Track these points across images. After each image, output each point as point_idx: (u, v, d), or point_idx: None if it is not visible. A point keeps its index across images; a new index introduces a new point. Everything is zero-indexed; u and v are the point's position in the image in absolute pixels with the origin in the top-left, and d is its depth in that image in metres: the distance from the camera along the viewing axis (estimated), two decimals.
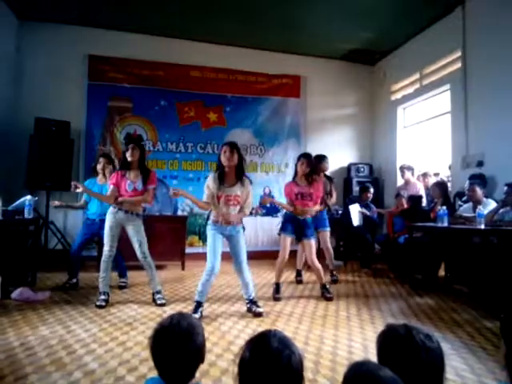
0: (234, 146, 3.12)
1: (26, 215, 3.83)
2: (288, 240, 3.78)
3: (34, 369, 2.05)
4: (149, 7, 5.38)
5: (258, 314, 3.11)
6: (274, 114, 6.72)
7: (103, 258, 3.43)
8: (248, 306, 3.21)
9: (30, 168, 5.11)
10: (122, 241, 3.62)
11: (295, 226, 3.79)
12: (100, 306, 3.27)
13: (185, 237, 5.44)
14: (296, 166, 3.89)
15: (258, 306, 3.17)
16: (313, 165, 3.87)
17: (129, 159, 3.46)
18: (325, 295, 3.72)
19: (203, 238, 6.24)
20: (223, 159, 3.09)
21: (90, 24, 5.86)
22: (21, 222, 4.00)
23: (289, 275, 4.78)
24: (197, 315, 2.96)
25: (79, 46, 5.87)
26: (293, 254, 4.22)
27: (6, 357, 2.21)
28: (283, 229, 3.85)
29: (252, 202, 3.33)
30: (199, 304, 3.08)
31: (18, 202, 3.92)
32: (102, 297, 3.36)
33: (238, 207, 3.18)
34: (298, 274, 4.60)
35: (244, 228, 3.31)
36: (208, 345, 2.36)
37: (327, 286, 3.79)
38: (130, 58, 6.08)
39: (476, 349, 2.42)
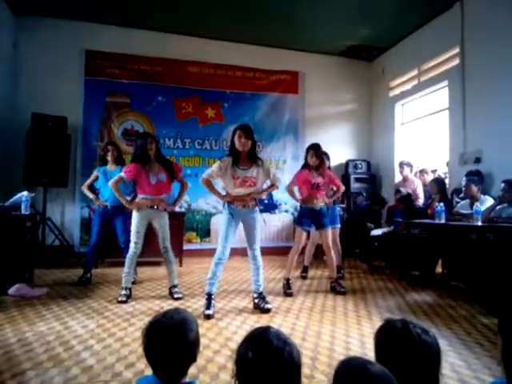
0: (249, 133, 3.11)
1: (23, 211, 3.82)
2: (304, 234, 3.89)
3: (31, 365, 2.05)
4: (146, 2, 5.35)
5: (266, 311, 3.08)
6: (272, 110, 6.70)
7: (128, 255, 3.44)
8: (256, 301, 3.18)
9: (26, 164, 5.08)
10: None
11: (312, 217, 3.85)
12: (121, 302, 3.30)
13: (182, 233, 5.44)
14: (306, 157, 3.94)
15: (266, 302, 3.15)
16: (321, 156, 3.91)
17: (150, 152, 3.45)
18: (336, 289, 3.77)
19: (201, 234, 6.25)
20: (238, 144, 3.08)
21: (87, 19, 5.82)
22: (18, 219, 3.98)
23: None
24: (210, 311, 2.95)
25: (76, 41, 5.83)
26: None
27: (4, 353, 2.20)
28: (299, 222, 3.92)
29: (277, 178, 3.35)
30: (210, 297, 3.05)
31: (14, 198, 3.91)
32: (124, 292, 3.39)
33: (254, 189, 3.17)
34: (305, 269, 4.63)
35: (260, 212, 3.34)
36: (205, 341, 2.40)
37: (339, 280, 3.87)
38: (127, 53, 6.05)
39: (472, 345, 2.44)
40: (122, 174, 3.42)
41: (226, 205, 3.18)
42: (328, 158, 4.65)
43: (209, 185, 3.21)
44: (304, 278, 4.54)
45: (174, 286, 3.55)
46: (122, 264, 3.61)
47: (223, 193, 3.23)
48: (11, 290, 3.44)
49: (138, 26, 6.02)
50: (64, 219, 5.73)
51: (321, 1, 5.19)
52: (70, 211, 5.73)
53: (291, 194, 4.03)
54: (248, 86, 6.60)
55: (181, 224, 5.33)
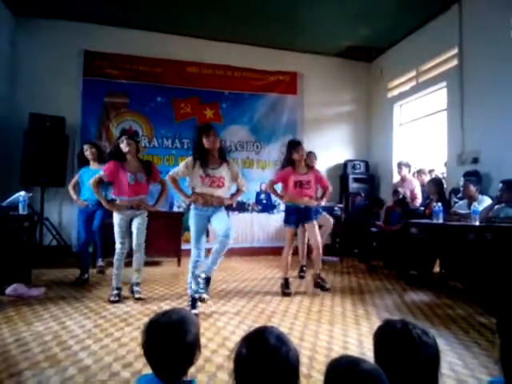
0: (215, 130, 3.13)
1: (21, 211, 3.81)
2: (292, 232, 3.85)
3: (28, 365, 2.04)
4: (145, 3, 5.34)
5: (202, 300, 3.01)
6: (270, 110, 6.70)
7: (116, 256, 3.43)
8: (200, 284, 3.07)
9: (24, 164, 5.07)
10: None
11: (297, 215, 3.81)
12: (113, 301, 3.30)
13: (181, 233, 5.43)
14: (288, 155, 3.88)
15: (206, 290, 3.06)
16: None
17: (124, 150, 3.43)
18: (321, 285, 3.74)
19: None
20: (207, 143, 3.06)
21: (86, 20, 5.81)
22: (15, 218, 3.97)
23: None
24: (196, 311, 2.95)
25: (75, 42, 5.82)
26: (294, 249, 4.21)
27: (1, 353, 2.19)
28: (285, 221, 3.88)
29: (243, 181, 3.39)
30: (194, 298, 3.06)
31: (12, 198, 3.90)
32: (115, 292, 3.39)
33: (222, 189, 3.15)
34: (302, 269, 4.61)
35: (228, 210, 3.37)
36: (203, 340, 2.39)
37: (322, 276, 3.82)
38: (126, 53, 6.04)
39: (470, 344, 2.44)
40: (102, 173, 3.42)
41: (193, 205, 3.15)
42: (315, 158, 4.66)
43: (175, 183, 3.18)
44: (302, 277, 4.53)
45: (138, 284, 3.53)
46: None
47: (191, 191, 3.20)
48: (8, 290, 3.43)
49: (137, 26, 6.01)
50: (62, 219, 5.72)
51: (319, 2, 5.20)
52: (67, 211, 5.71)
53: (272, 191, 4.01)
54: (246, 87, 6.61)
55: (179, 224, 5.33)
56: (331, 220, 4.45)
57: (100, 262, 4.66)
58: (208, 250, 3.24)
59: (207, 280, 3.10)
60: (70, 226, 5.70)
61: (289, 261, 3.89)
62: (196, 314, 2.87)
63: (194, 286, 3.10)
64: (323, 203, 4.04)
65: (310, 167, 3.95)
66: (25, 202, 3.85)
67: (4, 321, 2.76)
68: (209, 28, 6.09)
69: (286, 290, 3.74)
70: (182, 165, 3.15)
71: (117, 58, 6.01)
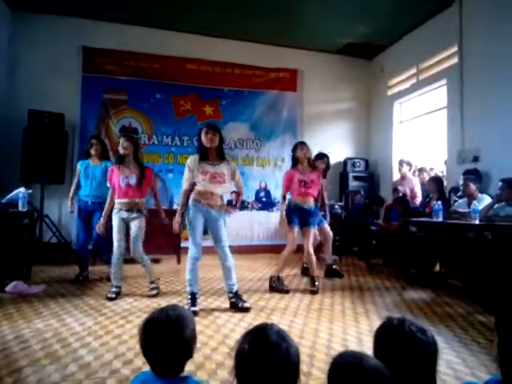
0: (215, 129, 3.11)
1: (21, 208, 3.80)
2: (295, 232, 3.84)
3: (28, 362, 2.05)
4: None
5: (245, 310, 3.04)
6: (270, 107, 6.69)
7: (113, 255, 3.44)
8: (232, 300, 3.11)
9: (23, 161, 5.06)
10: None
11: (300, 216, 3.83)
12: (110, 298, 3.31)
13: (180, 230, 5.41)
14: (294, 154, 3.91)
15: (243, 301, 3.11)
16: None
17: (120, 152, 3.44)
18: (310, 287, 3.77)
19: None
20: (205, 140, 3.06)
21: (84, 15, 5.79)
22: (15, 215, 3.97)
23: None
24: (195, 308, 2.95)
25: (74, 38, 5.80)
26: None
27: (1, 350, 2.20)
28: (289, 221, 3.86)
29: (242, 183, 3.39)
30: (193, 296, 3.06)
31: (11, 195, 3.89)
32: (113, 289, 3.42)
33: (223, 186, 3.13)
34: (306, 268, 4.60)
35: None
36: (203, 338, 2.40)
37: (315, 279, 3.83)
38: (125, 50, 6.02)
39: (469, 342, 2.45)
40: (108, 184, 3.51)
41: (192, 203, 3.11)
42: (323, 163, 4.54)
43: (185, 195, 3.13)
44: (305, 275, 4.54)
45: (151, 282, 3.57)
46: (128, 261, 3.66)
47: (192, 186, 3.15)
48: (9, 287, 3.44)
49: (136, 22, 5.99)
50: (61, 216, 5.72)
51: None
52: (67, 208, 5.67)
53: (282, 200, 4.00)
54: (246, 84, 6.59)
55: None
56: (331, 233, 4.49)
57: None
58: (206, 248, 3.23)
59: (236, 295, 3.14)
60: (69, 223, 5.69)
61: (287, 259, 3.89)
62: (195, 312, 2.87)
63: (192, 284, 3.10)
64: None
65: (315, 168, 3.96)
66: (24, 198, 3.84)
67: (4, 318, 2.77)
68: (208, 25, 6.07)
69: (282, 286, 3.75)
70: (185, 171, 3.14)
71: (116, 55, 5.99)
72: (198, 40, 6.35)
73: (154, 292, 3.50)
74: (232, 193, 6.33)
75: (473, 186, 4.02)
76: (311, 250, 3.83)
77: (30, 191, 4.18)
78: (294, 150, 3.93)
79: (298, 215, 3.83)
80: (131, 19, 5.92)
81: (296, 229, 3.84)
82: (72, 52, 5.81)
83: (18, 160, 5.06)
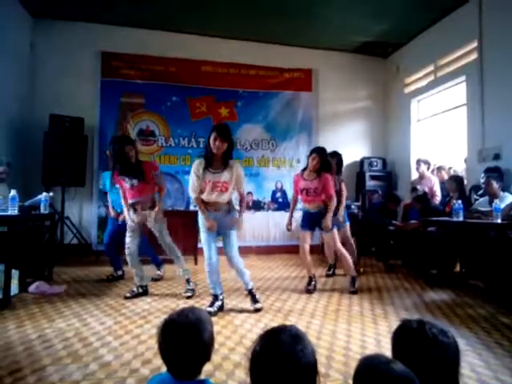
0: (225, 136, 2.94)
1: (42, 210, 3.88)
2: (305, 235, 3.85)
3: (51, 360, 2.10)
4: (160, 3, 5.38)
5: (257, 310, 3.08)
6: (285, 108, 6.67)
7: (127, 258, 3.55)
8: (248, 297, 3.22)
9: (45, 164, 5.19)
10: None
11: (309, 220, 3.84)
12: (126, 297, 3.42)
13: (197, 231, 5.45)
14: (308, 159, 3.83)
15: (256, 301, 3.14)
16: (326, 162, 3.77)
17: (128, 157, 3.46)
18: (349, 288, 3.78)
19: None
20: (212, 146, 2.95)
21: (102, 21, 5.90)
22: (37, 218, 4.07)
23: (298, 271, 4.77)
24: (211, 309, 2.97)
25: (92, 43, 5.92)
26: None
27: (24, 349, 2.26)
28: (301, 225, 3.93)
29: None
30: (215, 297, 3.10)
31: (34, 199, 3.98)
32: (133, 289, 3.53)
33: (226, 194, 3.07)
34: (329, 268, 4.63)
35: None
36: (221, 339, 2.41)
37: (355, 280, 3.84)
38: (142, 53, 6.11)
39: (492, 345, 2.39)
40: (117, 186, 3.55)
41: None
42: (339, 160, 4.47)
43: (198, 201, 3.08)
44: (328, 275, 4.55)
45: (187, 281, 3.67)
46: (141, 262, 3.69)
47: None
48: (31, 288, 3.53)
49: (152, 27, 6.07)
50: (82, 218, 5.84)
51: None
52: (87, 210, 5.83)
53: (291, 204, 4.05)
54: (261, 85, 6.59)
55: (195, 223, 5.34)
56: (351, 240, 4.48)
57: (158, 271, 4.36)
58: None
59: (250, 293, 3.18)
60: (89, 225, 5.82)
61: (308, 260, 3.88)
62: (210, 313, 2.88)
63: (212, 286, 3.13)
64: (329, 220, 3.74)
65: (320, 173, 3.73)
66: (47, 201, 3.92)
67: (27, 317, 2.84)
68: (223, 26, 6.10)
69: (308, 286, 3.81)
70: (192, 178, 3.04)
71: (133, 59, 6.09)
72: (213, 42, 6.39)
73: (189, 293, 3.56)
74: (248, 193, 6.38)
75: (495, 185, 3.93)
76: (341, 249, 3.83)
77: (52, 194, 4.28)
78: (310, 155, 3.80)
79: (308, 220, 3.85)
80: (147, 23, 6.00)
81: (304, 232, 3.84)
82: (91, 57, 5.93)
83: (40, 163, 5.19)
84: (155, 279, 4.18)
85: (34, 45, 5.73)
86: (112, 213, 4.21)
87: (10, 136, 5.20)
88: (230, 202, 3.17)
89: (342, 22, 5.89)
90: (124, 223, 3.69)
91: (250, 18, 5.82)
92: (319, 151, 3.76)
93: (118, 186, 3.56)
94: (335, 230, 3.83)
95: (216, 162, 3.04)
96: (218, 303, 3.09)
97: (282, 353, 0.98)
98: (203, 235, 3.15)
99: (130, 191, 3.48)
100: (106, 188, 4.30)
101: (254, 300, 3.15)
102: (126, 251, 3.52)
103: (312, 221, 3.82)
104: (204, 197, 3.07)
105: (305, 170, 3.89)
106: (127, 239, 3.52)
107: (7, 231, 3.17)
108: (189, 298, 3.49)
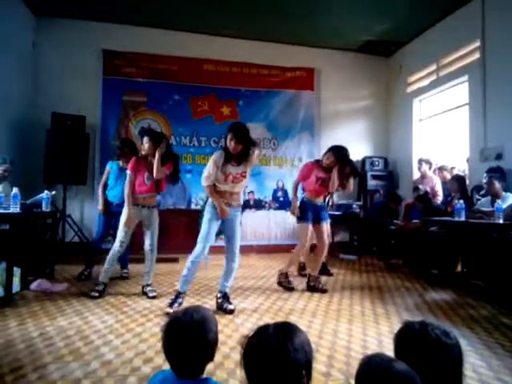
0: (240, 136, 2.94)
1: (44, 208, 3.89)
2: (310, 228, 3.80)
3: (52, 358, 2.10)
4: (163, 1, 5.38)
5: (230, 312, 2.96)
6: (287, 107, 6.67)
7: (112, 252, 3.42)
8: (219, 301, 3.06)
9: (47, 162, 5.19)
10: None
11: (314, 213, 3.81)
12: (93, 297, 3.31)
13: (198, 231, 5.46)
14: (325, 154, 3.80)
15: (229, 303, 3.05)
16: (340, 160, 3.74)
17: (142, 152, 3.48)
18: (316, 287, 3.76)
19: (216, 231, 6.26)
20: (228, 146, 2.97)
21: (104, 19, 5.91)
22: (39, 216, 4.07)
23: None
24: (170, 309, 2.88)
25: (94, 41, 5.92)
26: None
27: (26, 346, 2.26)
28: (304, 218, 3.80)
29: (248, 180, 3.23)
30: (180, 294, 3.01)
31: (36, 198, 3.98)
32: (99, 287, 3.40)
33: (243, 182, 3.11)
34: (302, 267, 4.55)
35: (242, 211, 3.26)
36: (222, 337, 2.40)
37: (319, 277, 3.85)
38: (144, 52, 6.11)
39: (493, 345, 2.38)
40: (128, 171, 3.43)
41: (209, 201, 3.08)
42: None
43: (210, 189, 3.02)
44: (303, 275, 4.48)
45: (149, 285, 3.52)
46: (141, 260, 3.67)
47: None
48: (33, 286, 3.54)
49: (154, 25, 6.07)
50: (83, 216, 5.85)
51: None
52: (88, 208, 5.84)
53: (294, 189, 3.92)
54: (263, 84, 6.59)
55: (197, 221, 5.35)
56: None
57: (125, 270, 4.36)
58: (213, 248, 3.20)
59: (225, 296, 3.09)
60: (91, 223, 5.82)
61: (299, 256, 3.90)
62: (167, 313, 2.84)
63: (183, 282, 3.03)
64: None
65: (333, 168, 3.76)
66: (48, 199, 3.92)
67: (29, 315, 2.85)
68: (225, 25, 6.09)
69: (288, 284, 3.81)
70: (210, 167, 3.01)
71: (135, 57, 6.09)
72: (215, 41, 6.38)
73: (155, 294, 3.46)
74: (249, 193, 6.38)
75: (497, 185, 3.92)
76: (326, 247, 3.85)
77: (54, 192, 4.28)
78: (327, 152, 3.80)
79: (311, 212, 3.80)
80: (149, 22, 6.00)
81: (310, 225, 3.80)
82: (93, 55, 5.93)
83: (42, 161, 5.20)
84: (124, 277, 4.19)
85: (36, 43, 5.74)
86: (100, 207, 4.15)
87: (13, 134, 5.21)
88: (240, 195, 3.16)
89: (344, 21, 5.88)
90: (114, 218, 3.72)
91: (251, 16, 5.82)
92: (336, 151, 3.72)
93: (130, 172, 3.40)
94: (326, 223, 3.89)
95: (234, 159, 3.04)
96: (180, 300, 2.99)
97: (266, 346, 0.99)
98: (204, 227, 3.08)
99: (143, 185, 3.41)
100: (112, 176, 4.14)
101: (229, 301, 3.07)
102: (118, 247, 3.39)
103: (316, 213, 3.81)
104: (221, 187, 3.03)
105: (315, 162, 3.87)
106: (121, 233, 3.40)
107: (9, 229, 3.17)
108: (154, 297, 3.38)
